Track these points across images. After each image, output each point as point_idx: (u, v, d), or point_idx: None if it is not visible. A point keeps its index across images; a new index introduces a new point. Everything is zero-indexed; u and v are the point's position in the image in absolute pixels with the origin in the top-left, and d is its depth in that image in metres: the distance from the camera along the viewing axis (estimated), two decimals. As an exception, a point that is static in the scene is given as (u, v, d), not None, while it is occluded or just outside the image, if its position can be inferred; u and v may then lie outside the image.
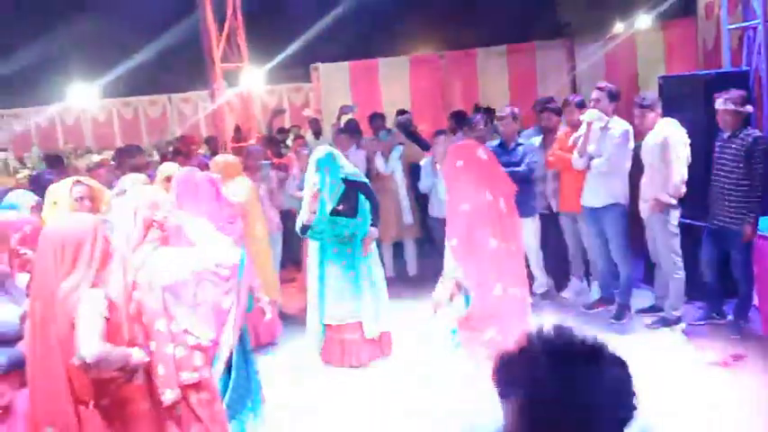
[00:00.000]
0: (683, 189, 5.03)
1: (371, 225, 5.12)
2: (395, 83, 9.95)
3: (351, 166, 5.22)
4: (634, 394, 1.33)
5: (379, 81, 10.07)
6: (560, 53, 9.84)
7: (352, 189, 5.05)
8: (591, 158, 5.38)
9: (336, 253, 5.07)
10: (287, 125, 11.13)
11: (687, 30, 8.13)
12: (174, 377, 2.89)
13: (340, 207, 4.99)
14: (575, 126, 5.61)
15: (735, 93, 4.86)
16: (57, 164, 7.49)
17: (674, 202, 5.05)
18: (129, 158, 6.04)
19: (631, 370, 1.34)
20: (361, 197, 5.10)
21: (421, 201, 6.91)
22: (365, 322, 5.03)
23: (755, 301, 5.04)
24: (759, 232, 4.83)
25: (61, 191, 4.22)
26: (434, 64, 10.16)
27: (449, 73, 10.02)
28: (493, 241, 4.15)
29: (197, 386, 2.98)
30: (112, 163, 7.29)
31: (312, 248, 5.19)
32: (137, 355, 2.75)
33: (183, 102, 14.58)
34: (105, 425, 2.71)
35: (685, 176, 5.01)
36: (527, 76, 9.76)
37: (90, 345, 2.55)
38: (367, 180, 5.33)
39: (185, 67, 12.93)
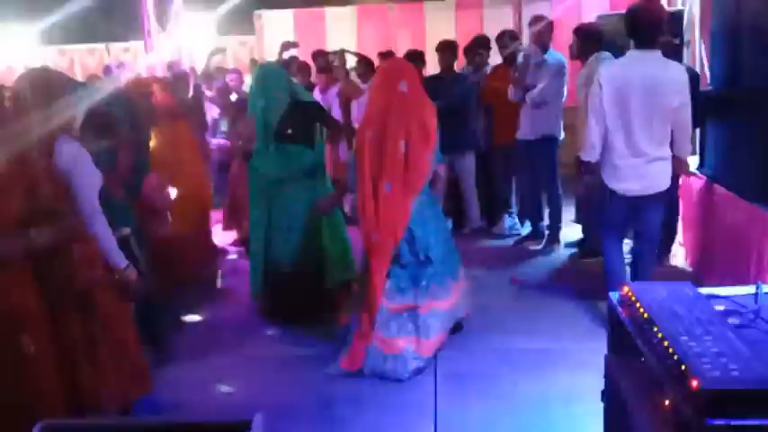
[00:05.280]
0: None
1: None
2: (342, 33, 9.75)
3: (306, 93, 4.64)
4: None
5: (326, 30, 9.86)
6: (507, 11, 9.82)
7: (304, 114, 4.31)
8: (526, 91, 5.34)
9: (291, 192, 4.28)
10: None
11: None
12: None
13: (289, 131, 4.22)
14: (506, 60, 5.61)
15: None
16: None
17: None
18: None
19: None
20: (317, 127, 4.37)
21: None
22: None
23: (680, 237, 5.13)
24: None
25: None
26: (382, 15, 10.00)
27: (396, 24, 9.88)
28: None
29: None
30: None
31: (255, 187, 4.41)
32: None
33: (123, 51, 13.93)
34: None
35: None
36: (474, 32, 9.68)
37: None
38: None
39: (125, 16, 12.39)
